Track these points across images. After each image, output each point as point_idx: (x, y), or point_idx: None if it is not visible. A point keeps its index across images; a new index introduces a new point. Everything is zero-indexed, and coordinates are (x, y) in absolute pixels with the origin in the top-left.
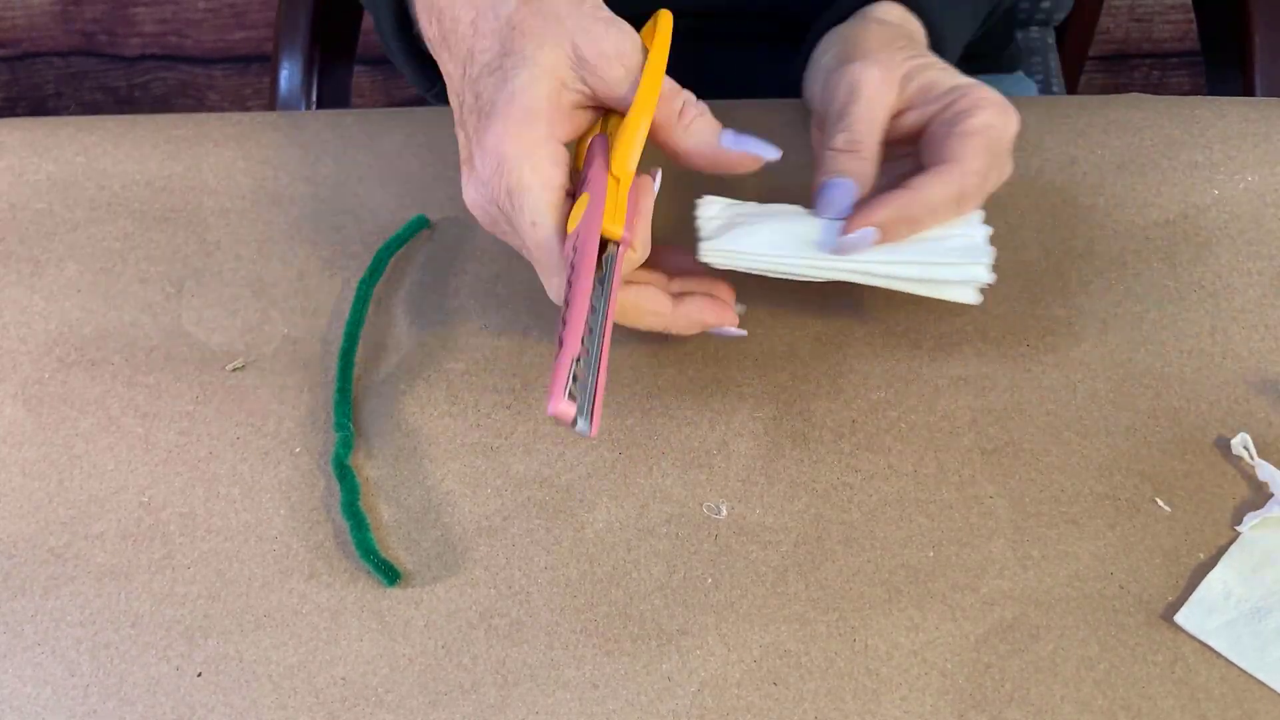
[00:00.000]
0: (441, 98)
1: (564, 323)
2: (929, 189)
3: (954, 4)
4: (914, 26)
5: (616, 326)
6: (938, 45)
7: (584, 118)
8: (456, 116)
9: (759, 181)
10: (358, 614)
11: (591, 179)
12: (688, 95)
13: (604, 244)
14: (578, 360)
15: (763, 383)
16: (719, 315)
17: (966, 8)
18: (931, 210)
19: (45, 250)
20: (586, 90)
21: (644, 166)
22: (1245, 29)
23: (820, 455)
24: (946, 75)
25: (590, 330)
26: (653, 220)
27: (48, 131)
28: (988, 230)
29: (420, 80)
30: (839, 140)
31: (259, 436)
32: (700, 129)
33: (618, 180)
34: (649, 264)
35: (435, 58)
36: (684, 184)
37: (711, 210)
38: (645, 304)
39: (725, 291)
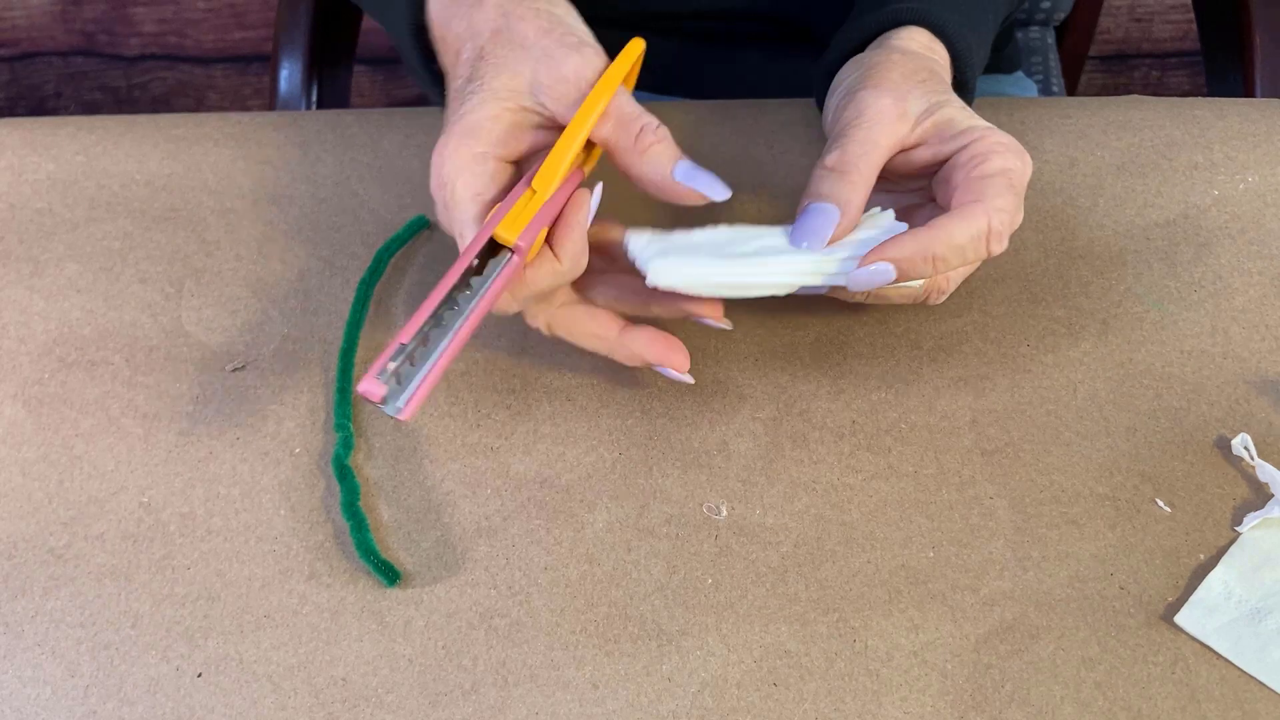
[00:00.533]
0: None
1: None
2: (955, 227)
3: (975, 27)
4: (939, 55)
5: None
6: (961, 72)
7: (545, 137)
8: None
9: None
10: (358, 614)
11: (514, 191)
12: (649, 121)
13: (499, 249)
14: (408, 347)
15: (763, 383)
16: (663, 353)
17: (986, 30)
18: (958, 249)
19: (45, 250)
20: (546, 112)
21: (613, 194)
22: (1245, 29)
23: (820, 455)
24: (963, 115)
25: (440, 324)
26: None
27: (48, 131)
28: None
29: (431, 86)
30: (830, 158)
31: (259, 437)
32: (655, 156)
33: (533, 192)
34: (637, 286)
35: (442, 44)
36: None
37: (642, 240)
38: (588, 325)
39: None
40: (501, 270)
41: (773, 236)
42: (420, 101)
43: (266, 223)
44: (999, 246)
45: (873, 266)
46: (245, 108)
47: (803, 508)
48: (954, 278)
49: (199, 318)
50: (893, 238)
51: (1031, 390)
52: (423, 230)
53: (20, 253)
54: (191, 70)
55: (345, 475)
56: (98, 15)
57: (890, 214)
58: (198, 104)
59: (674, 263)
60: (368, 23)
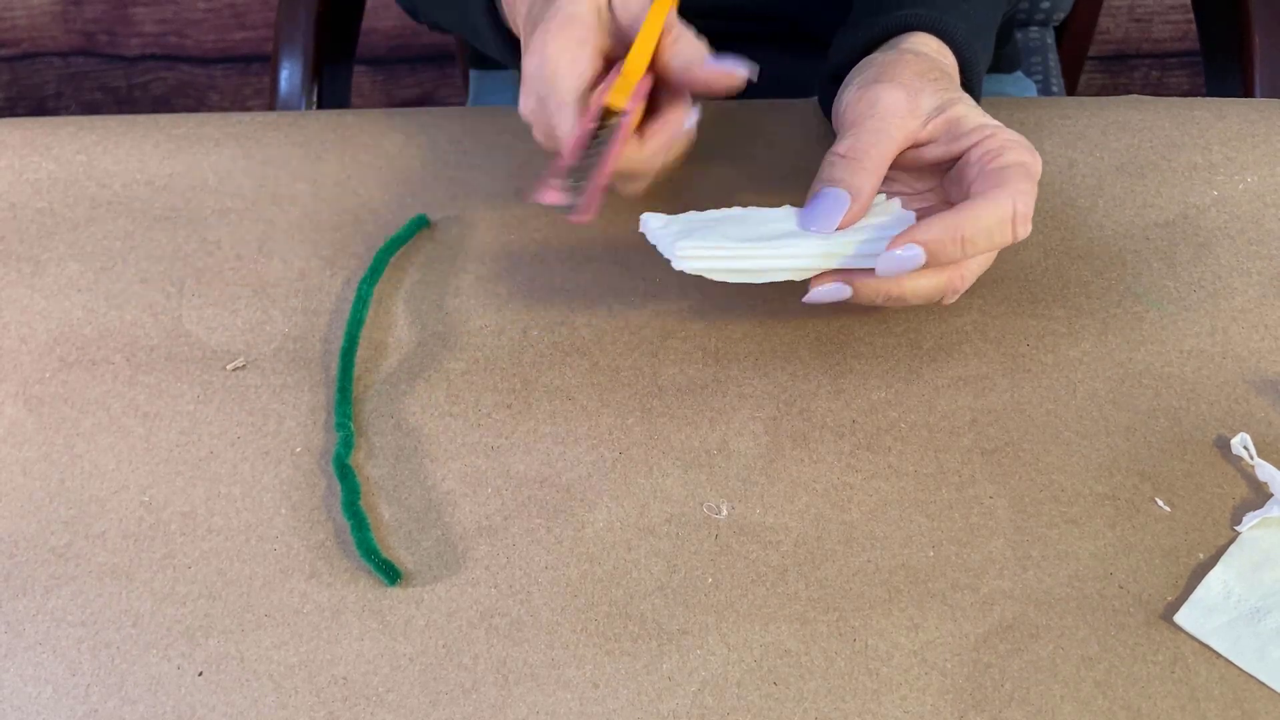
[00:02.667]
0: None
1: (559, 156)
2: (982, 210)
3: (980, 34)
4: (948, 60)
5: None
6: (968, 77)
7: (612, 43)
8: (524, 45)
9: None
10: (358, 613)
11: (609, 76)
12: (680, 26)
13: (610, 114)
14: (573, 168)
15: (763, 383)
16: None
17: (989, 36)
18: (986, 231)
19: (46, 249)
20: (615, 20)
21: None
22: (1245, 29)
23: (820, 455)
24: (974, 113)
25: (584, 161)
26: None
27: (48, 131)
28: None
29: (507, 55)
30: (842, 145)
31: (259, 436)
32: (685, 46)
33: (627, 74)
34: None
35: (511, 12)
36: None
37: (658, 222)
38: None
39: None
40: (616, 131)
41: (786, 220)
42: (420, 101)
43: (267, 223)
44: (1024, 229)
45: (901, 251)
46: (246, 108)
47: (803, 507)
48: (969, 275)
49: (200, 317)
50: (920, 222)
51: (1031, 390)
52: (423, 230)
53: (21, 252)
54: (192, 70)
55: (346, 474)
56: (98, 15)
57: (898, 202)
58: (198, 104)
59: (697, 246)
60: (368, 22)
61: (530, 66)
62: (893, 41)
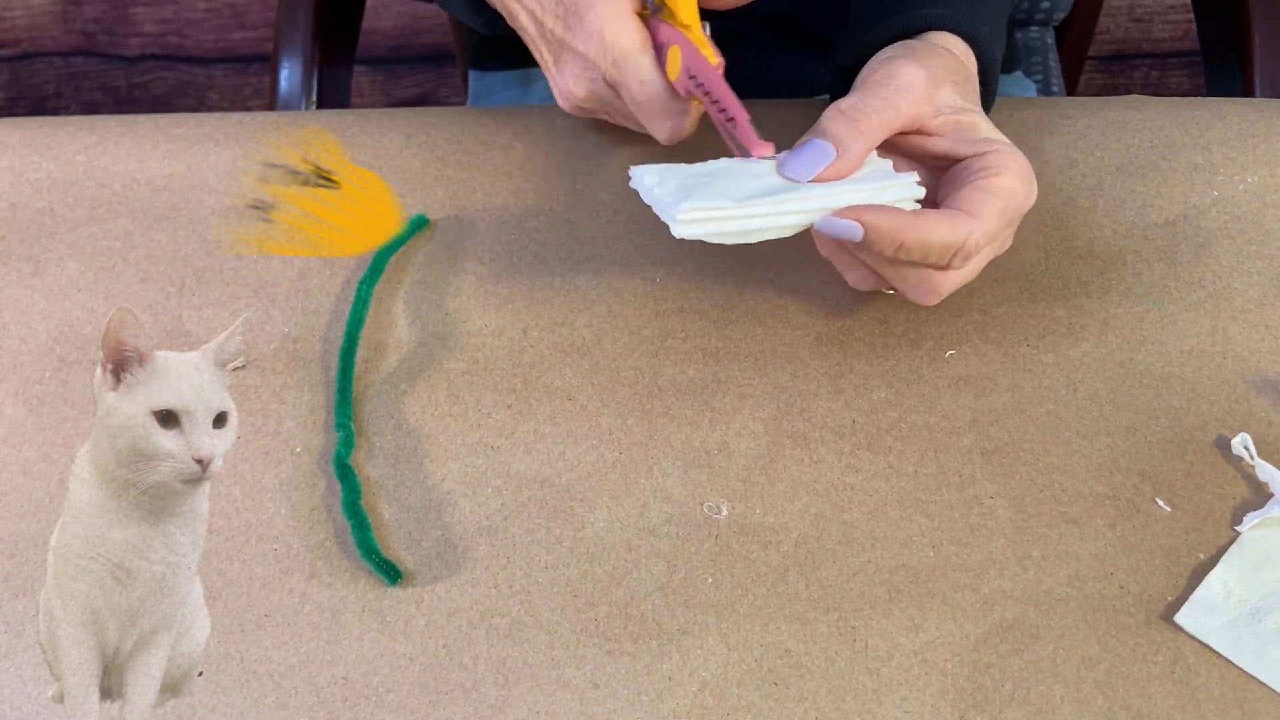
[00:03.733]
0: (490, 26)
1: (723, 112)
2: (934, 227)
3: (998, 37)
4: (971, 64)
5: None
6: (986, 80)
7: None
8: (533, 33)
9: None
10: (358, 613)
11: (668, 35)
12: None
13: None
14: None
15: (763, 383)
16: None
17: (1004, 40)
18: (925, 247)
19: (46, 249)
20: None
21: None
22: (1245, 29)
23: (820, 455)
24: (988, 126)
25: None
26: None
27: (48, 131)
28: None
29: (468, 13)
30: (846, 102)
31: (259, 436)
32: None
33: (688, 27)
34: None
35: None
36: None
37: (652, 178)
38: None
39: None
40: (717, 72)
41: (772, 175)
42: (420, 101)
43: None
44: (960, 264)
45: (845, 221)
46: (245, 108)
47: (803, 507)
48: (950, 285)
49: (200, 317)
50: (877, 207)
51: (1031, 390)
52: (423, 230)
53: (21, 252)
54: (192, 70)
55: (346, 474)
56: (98, 15)
57: (889, 164)
58: (198, 104)
59: (698, 208)
60: (368, 22)
61: (590, 49)
62: (924, 35)
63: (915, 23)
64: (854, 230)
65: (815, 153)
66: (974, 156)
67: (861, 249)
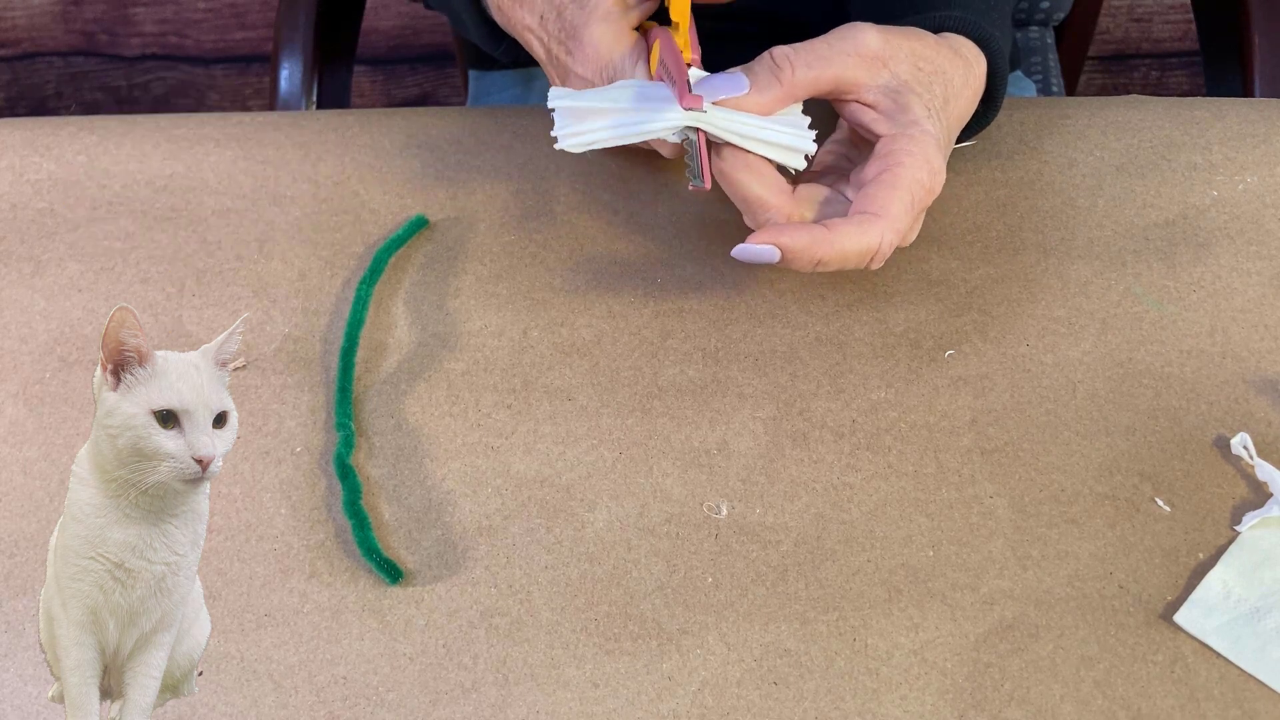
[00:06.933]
0: (509, 54)
1: (673, 82)
2: (846, 238)
3: (1007, 41)
4: (979, 67)
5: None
6: (994, 83)
7: (643, 9)
8: (544, 59)
9: None
10: (358, 613)
11: (655, 35)
12: None
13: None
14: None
15: (763, 383)
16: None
17: (1009, 42)
18: (842, 257)
19: (46, 250)
20: None
21: None
22: (1245, 29)
23: (820, 455)
24: (921, 110)
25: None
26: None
27: (48, 131)
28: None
29: (489, 41)
30: (781, 50)
31: (260, 436)
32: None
33: (677, 26)
34: None
35: (506, 17)
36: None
37: (563, 102)
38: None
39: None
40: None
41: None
42: (420, 101)
43: (267, 223)
44: (879, 263)
45: (760, 246)
46: (246, 108)
47: (803, 507)
48: (897, 242)
49: (200, 317)
50: (791, 227)
51: (1031, 390)
52: (423, 230)
53: (21, 252)
54: (192, 70)
55: (346, 474)
56: (98, 15)
57: (807, 120)
58: (198, 104)
59: (580, 128)
60: (368, 22)
61: (588, 68)
62: (945, 35)
63: (929, 24)
64: (770, 254)
65: (728, 82)
66: (888, 137)
67: (780, 268)
